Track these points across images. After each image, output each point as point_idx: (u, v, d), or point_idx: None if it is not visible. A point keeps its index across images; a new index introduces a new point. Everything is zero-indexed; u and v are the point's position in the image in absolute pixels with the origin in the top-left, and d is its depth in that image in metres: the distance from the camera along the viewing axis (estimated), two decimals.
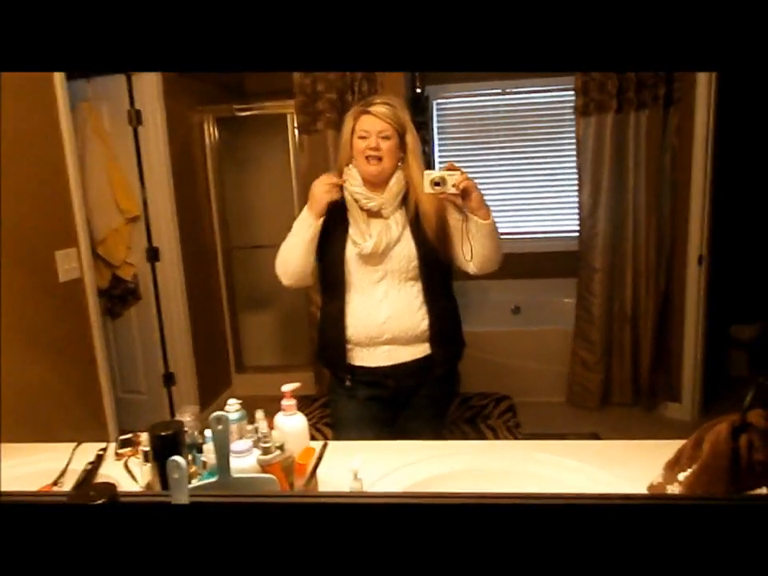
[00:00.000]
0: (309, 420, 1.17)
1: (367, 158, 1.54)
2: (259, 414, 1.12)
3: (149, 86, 2.85)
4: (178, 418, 1.12)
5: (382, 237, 1.55)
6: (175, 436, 0.98)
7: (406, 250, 1.57)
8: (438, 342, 1.62)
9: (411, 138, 1.58)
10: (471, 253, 1.57)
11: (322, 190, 1.55)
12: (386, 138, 1.53)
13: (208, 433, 1.10)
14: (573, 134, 3.35)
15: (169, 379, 3.15)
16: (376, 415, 1.69)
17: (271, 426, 1.12)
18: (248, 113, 3.46)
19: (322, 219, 1.58)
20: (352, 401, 1.67)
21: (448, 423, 2.90)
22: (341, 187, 1.62)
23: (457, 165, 1.50)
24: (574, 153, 3.09)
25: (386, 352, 1.61)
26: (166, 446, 0.96)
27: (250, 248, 3.72)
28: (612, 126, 2.90)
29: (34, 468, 1.26)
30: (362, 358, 1.63)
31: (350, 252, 1.59)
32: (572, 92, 3.36)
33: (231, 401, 1.11)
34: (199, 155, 3.43)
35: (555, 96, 3.87)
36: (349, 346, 1.62)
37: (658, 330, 3.07)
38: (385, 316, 1.58)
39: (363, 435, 1.62)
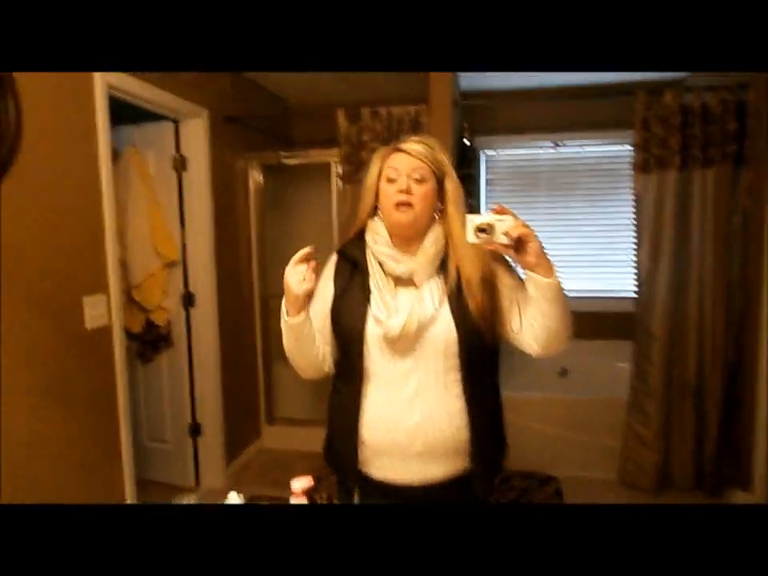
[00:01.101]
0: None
1: (396, 205, 1.22)
2: None
3: (195, 132, 2.85)
4: (175, 502, 0.98)
5: (414, 314, 1.20)
6: None
7: (445, 333, 1.22)
8: (480, 454, 1.27)
9: (452, 185, 1.27)
10: (531, 326, 1.21)
11: (295, 279, 1.19)
12: (420, 180, 1.22)
13: None
14: (630, 190, 3.16)
15: (195, 430, 3.04)
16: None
17: None
18: (294, 161, 3.44)
19: (302, 315, 1.23)
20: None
21: None
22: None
23: None
24: (631, 210, 2.90)
25: (414, 466, 1.24)
26: None
27: None
28: (675, 184, 2.70)
29: None
30: (382, 468, 1.27)
31: (372, 332, 1.24)
32: (629, 147, 3.20)
33: (232, 494, 0.96)
34: (242, 201, 3.41)
35: (611, 150, 3.72)
36: (366, 452, 1.28)
37: (726, 406, 2.76)
38: (415, 420, 1.22)
39: None
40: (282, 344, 1.32)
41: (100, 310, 2.08)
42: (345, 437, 1.30)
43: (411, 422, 1.22)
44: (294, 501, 0.96)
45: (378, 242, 1.28)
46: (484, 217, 1.11)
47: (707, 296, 2.73)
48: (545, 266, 1.13)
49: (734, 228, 2.67)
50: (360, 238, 1.32)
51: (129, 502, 2.18)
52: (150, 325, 2.90)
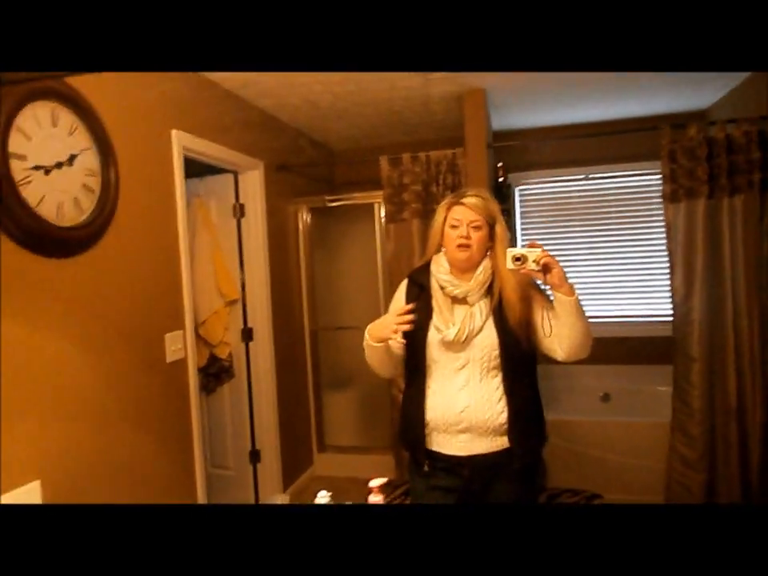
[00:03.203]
0: None
1: (458, 246, 1.58)
2: None
3: (252, 182, 3.15)
4: (269, 502, 1.17)
5: (466, 324, 1.56)
6: None
7: (489, 339, 1.57)
8: (517, 436, 1.58)
9: (500, 229, 1.63)
10: (558, 335, 1.54)
11: (389, 328, 1.54)
12: (477, 228, 1.58)
13: None
14: (662, 218, 3.29)
15: (255, 456, 3.24)
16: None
17: None
18: (338, 203, 3.72)
19: (384, 344, 1.60)
20: (429, 489, 1.65)
21: None
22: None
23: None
24: (664, 236, 3.02)
25: (462, 441, 1.58)
26: None
27: (335, 329, 3.86)
28: (704, 212, 2.82)
29: None
30: (439, 443, 1.62)
31: (433, 338, 1.61)
32: (658, 176, 3.34)
33: (322, 493, 1.15)
34: (293, 242, 3.68)
35: (641, 180, 3.86)
36: (427, 431, 1.62)
37: None
38: (463, 405, 1.57)
39: None
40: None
41: (178, 345, 2.33)
42: (414, 421, 1.64)
43: (459, 407, 1.57)
44: (371, 497, 1.14)
45: (441, 271, 1.64)
46: (519, 249, 1.47)
47: (742, 318, 2.81)
48: (567, 287, 1.48)
49: (763, 252, 2.77)
50: (425, 267, 1.70)
51: None
52: (213, 358, 3.16)
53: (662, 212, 3.47)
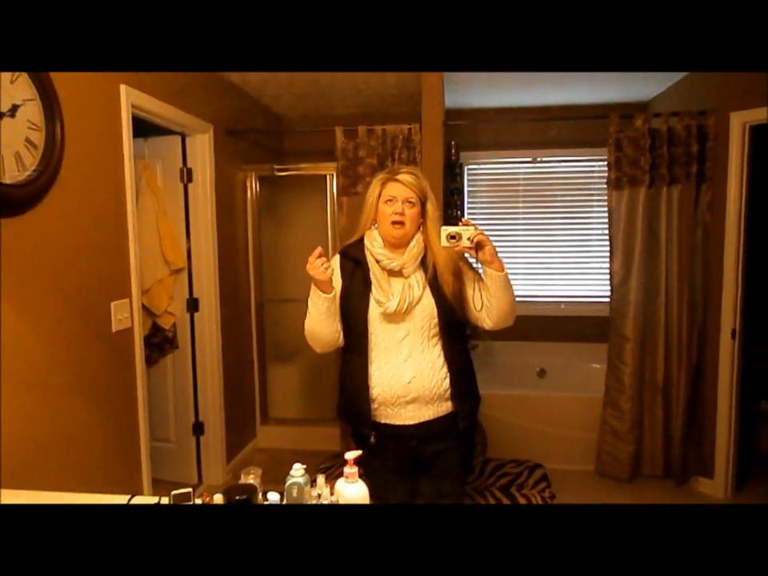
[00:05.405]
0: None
1: (393, 222, 1.62)
2: (320, 480, 1.15)
3: (201, 146, 3.01)
4: (243, 479, 1.15)
5: (406, 295, 1.61)
6: (248, 500, 1.01)
7: (428, 309, 1.63)
8: (460, 399, 1.67)
9: (431, 206, 1.69)
10: (487, 306, 1.63)
11: (317, 272, 1.54)
12: (411, 204, 1.63)
13: (271, 496, 1.13)
14: (604, 203, 3.44)
15: (198, 429, 3.17)
16: (400, 472, 1.72)
17: (331, 492, 1.15)
18: (286, 173, 3.64)
19: (333, 292, 1.61)
20: (375, 458, 1.69)
21: (482, 489, 2.87)
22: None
23: (486, 228, 1.52)
24: (606, 221, 3.16)
25: (411, 411, 1.64)
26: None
27: (281, 301, 3.80)
28: (644, 200, 2.98)
29: None
30: (387, 416, 1.67)
31: (373, 311, 1.65)
32: (603, 163, 3.48)
33: (297, 466, 1.15)
34: (240, 211, 3.57)
35: (586, 166, 4.00)
36: (374, 405, 1.66)
37: (690, 402, 3.04)
38: (410, 376, 1.63)
39: (389, 493, 1.68)
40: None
41: (124, 314, 2.22)
42: (357, 396, 1.68)
43: (406, 378, 1.63)
44: (346, 469, 1.14)
45: (375, 245, 1.67)
46: (453, 227, 1.52)
47: (673, 302, 3.01)
48: (497, 263, 1.57)
49: (696, 240, 2.96)
50: (358, 242, 1.72)
51: (145, 494, 2.32)
52: (156, 328, 3.03)
53: (603, 198, 3.64)
